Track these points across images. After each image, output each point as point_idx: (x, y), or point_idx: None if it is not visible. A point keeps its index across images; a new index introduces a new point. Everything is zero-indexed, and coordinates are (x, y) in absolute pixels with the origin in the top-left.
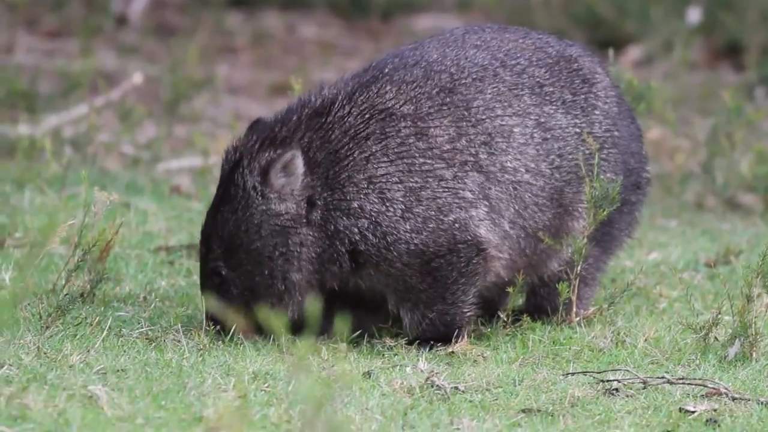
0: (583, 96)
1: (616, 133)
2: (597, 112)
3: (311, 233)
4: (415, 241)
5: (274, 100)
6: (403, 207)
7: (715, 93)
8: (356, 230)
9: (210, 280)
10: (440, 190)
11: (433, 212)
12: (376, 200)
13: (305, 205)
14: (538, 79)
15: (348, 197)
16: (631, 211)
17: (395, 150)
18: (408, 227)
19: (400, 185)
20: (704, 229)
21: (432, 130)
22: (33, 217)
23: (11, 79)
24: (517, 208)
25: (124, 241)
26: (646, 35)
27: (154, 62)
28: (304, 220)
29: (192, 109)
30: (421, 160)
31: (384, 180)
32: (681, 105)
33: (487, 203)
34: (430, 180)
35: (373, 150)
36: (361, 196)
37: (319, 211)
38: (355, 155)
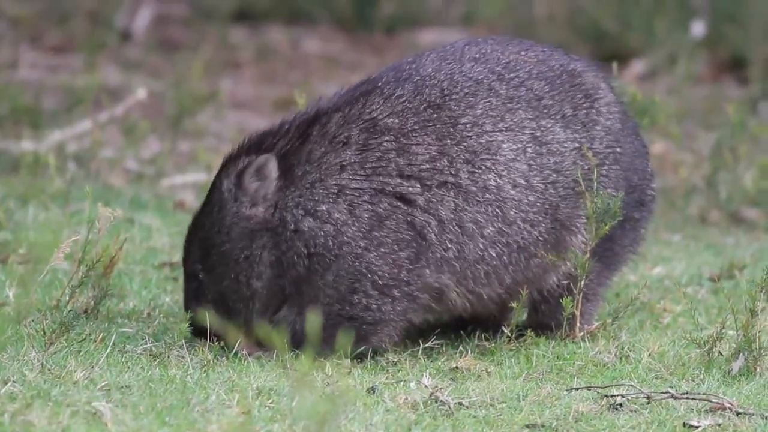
0: (584, 111)
1: (618, 150)
2: (598, 127)
3: (274, 236)
4: (362, 260)
5: (278, 114)
6: (366, 227)
7: (719, 107)
8: (321, 233)
9: (189, 284)
10: (404, 226)
11: (390, 240)
12: (344, 210)
13: (272, 209)
14: (536, 92)
15: (316, 198)
16: (635, 228)
17: (373, 164)
18: (363, 244)
19: (369, 206)
20: (708, 243)
21: (414, 147)
22: (37, 233)
23: (15, 94)
24: (499, 225)
25: (128, 256)
26: (650, 49)
27: (158, 77)
28: (269, 225)
29: (196, 124)
30: (398, 180)
31: (356, 194)
32: (685, 119)
33: (459, 228)
34: (398, 211)
35: (351, 160)
36: (329, 200)
37: (281, 210)
38: (330, 159)
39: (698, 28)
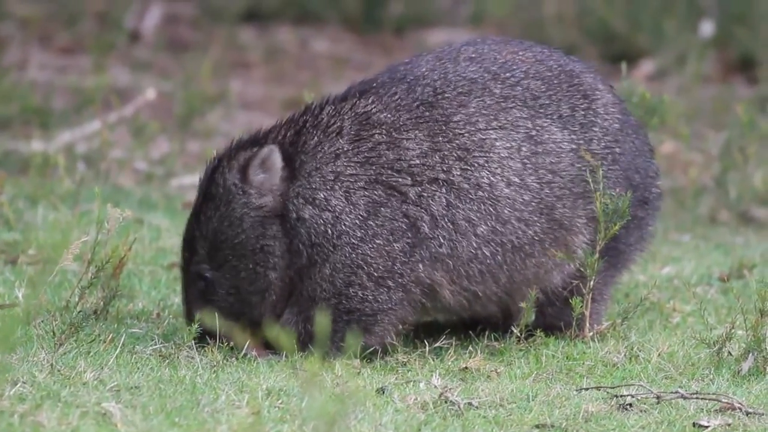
0: (582, 112)
1: (617, 150)
2: (596, 128)
3: (283, 225)
4: (359, 251)
5: (287, 115)
6: (363, 214)
7: (728, 107)
8: (321, 221)
9: (194, 287)
10: (399, 214)
11: (385, 231)
12: (341, 197)
13: (280, 199)
14: (533, 92)
15: (314, 186)
16: (640, 227)
17: (366, 154)
18: (359, 235)
19: (365, 192)
20: (718, 243)
21: (405, 142)
22: (46, 234)
23: (24, 95)
24: (492, 224)
25: (138, 257)
26: (659, 49)
27: (167, 78)
28: (278, 214)
29: (205, 124)
30: (389, 172)
31: (351, 181)
32: (694, 119)
33: (451, 225)
34: (393, 199)
35: (345, 148)
36: (327, 188)
37: (286, 200)
38: (325, 148)
39: (707, 28)
